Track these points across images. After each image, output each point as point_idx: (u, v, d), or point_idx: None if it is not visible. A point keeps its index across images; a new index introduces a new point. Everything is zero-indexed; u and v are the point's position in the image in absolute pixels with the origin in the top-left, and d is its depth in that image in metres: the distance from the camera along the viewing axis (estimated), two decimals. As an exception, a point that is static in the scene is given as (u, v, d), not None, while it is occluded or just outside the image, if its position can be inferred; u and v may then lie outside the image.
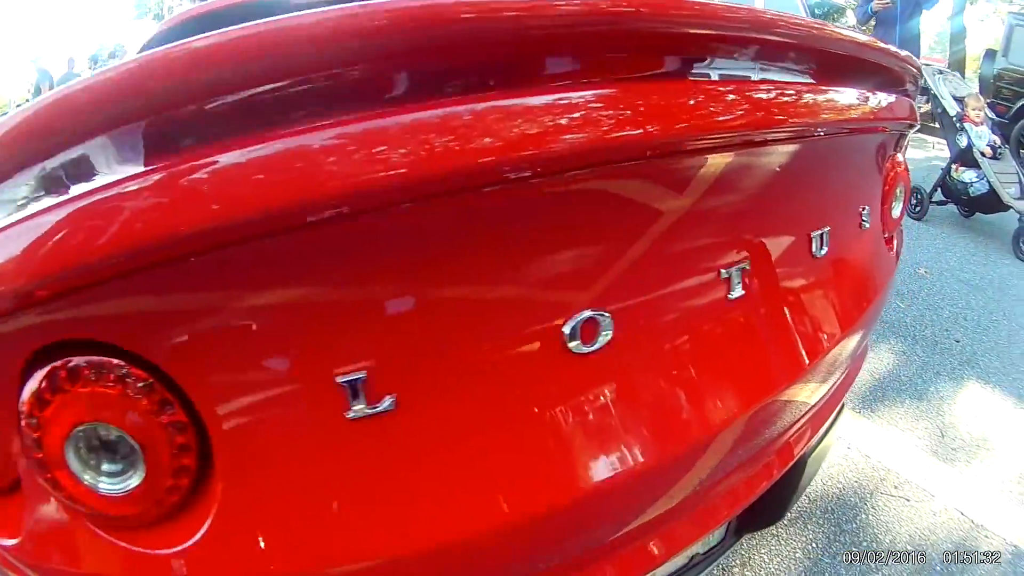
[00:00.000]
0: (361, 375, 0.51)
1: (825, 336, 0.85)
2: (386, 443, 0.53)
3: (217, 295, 0.49)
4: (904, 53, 0.98)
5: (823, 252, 0.86)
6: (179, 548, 0.52)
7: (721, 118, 0.62)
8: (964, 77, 4.52)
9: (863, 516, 1.64)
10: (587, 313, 0.60)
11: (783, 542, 1.55)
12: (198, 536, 0.52)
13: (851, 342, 0.93)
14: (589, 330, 0.61)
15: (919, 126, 1.19)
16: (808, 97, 0.76)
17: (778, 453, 0.95)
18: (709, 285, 0.71)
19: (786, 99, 0.72)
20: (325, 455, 0.52)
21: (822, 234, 0.85)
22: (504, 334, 0.59)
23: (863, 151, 0.96)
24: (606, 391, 0.64)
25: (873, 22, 4.46)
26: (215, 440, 0.51)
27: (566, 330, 0.60)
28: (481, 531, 0.56)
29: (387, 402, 0.52)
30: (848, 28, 0.82)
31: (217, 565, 0.52)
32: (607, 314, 0.61)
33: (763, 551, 1.51)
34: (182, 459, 0.51)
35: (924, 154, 6.07)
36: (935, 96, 4.09)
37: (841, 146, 0.88)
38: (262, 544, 0.51)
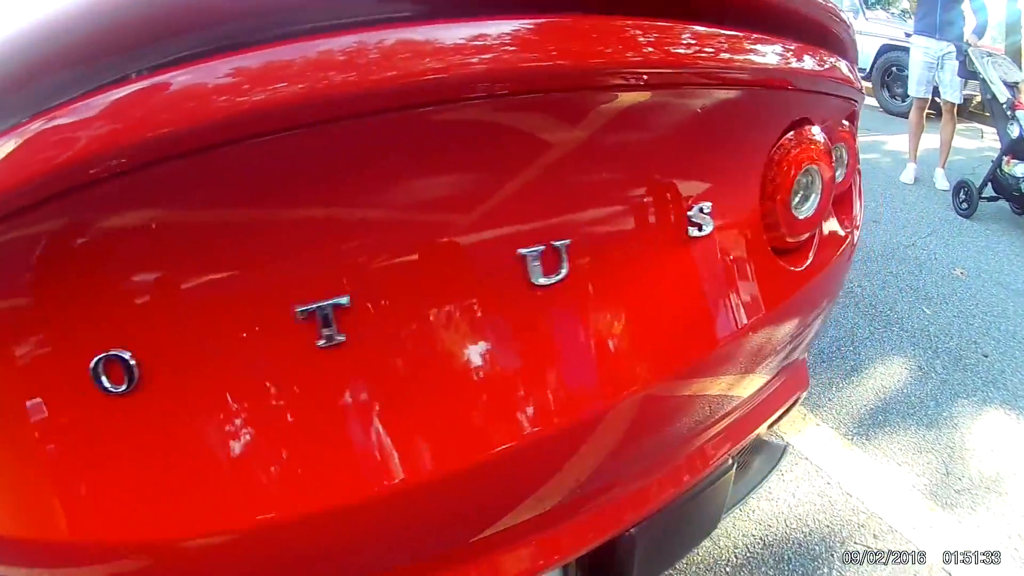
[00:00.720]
0: None
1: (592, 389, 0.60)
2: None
3: None
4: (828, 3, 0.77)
5: (555, 278, 0.57)
6: None
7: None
8: (1021, 68, 4.09)
9: (824, 572, 1.36)
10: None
11: (717, 601, 1.29)
12: None
13: (671, 399, 0.69)
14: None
15: (862, 98, 0.92)
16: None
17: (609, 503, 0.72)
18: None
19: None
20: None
21: (541, 252, 0.56)
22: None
23: (717, 117, 0.67)
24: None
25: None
26: None
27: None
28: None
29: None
30: None
31: None
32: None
33: (689, 613, 1.26)
34: None
35: (976, 144, 5.50)
36: (984, 81, 3.73)
37: (663, 106, 0.62)
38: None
